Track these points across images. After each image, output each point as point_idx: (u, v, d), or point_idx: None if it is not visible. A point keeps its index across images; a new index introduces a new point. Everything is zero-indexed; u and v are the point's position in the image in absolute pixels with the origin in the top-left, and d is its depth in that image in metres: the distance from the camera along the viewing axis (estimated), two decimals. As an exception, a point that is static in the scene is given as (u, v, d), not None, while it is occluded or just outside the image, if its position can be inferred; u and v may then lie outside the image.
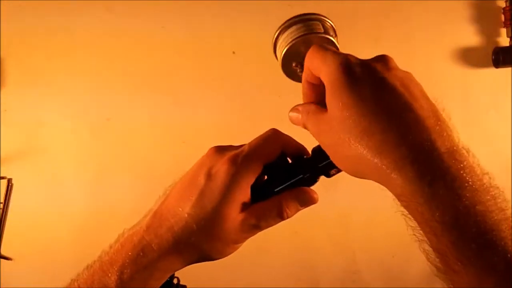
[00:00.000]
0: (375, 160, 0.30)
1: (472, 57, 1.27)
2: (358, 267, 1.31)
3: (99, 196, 1.30)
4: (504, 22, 1.23)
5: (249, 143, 0.38)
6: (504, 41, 1.25)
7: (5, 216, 1.08)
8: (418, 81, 0.33)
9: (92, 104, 1.31)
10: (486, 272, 0.26)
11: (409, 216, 0.31)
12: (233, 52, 1.27)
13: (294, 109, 0.38)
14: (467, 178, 0.28)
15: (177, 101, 1.29)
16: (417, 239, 0.31)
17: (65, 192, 1.31)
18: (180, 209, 0.36)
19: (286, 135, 0.39)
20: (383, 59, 0.34)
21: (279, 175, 0.39)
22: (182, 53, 1.29)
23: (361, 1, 1.27)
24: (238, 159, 0.36)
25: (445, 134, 0.30)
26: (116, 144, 1.31)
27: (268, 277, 1.31)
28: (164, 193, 0.40)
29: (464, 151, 0.30)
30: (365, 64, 0.32)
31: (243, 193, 0.36)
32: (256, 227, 0.38)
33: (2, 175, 1.13)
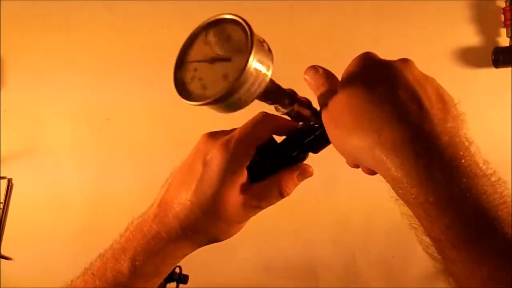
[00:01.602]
0: (374, 139, 0.30)
1: (472, 57, 1.27)
2: (358, 267, 1.31)
3: (99, 196, 1.30)
4: (504, 22, 1.23)
5: (240, 128, 0.39)
6: (504, 41, 1.25)
7: (5, 216, 1.08)
8: (439, 84, 0.35)
9: (92, 104, 1.31)
10: (482, 256, 0.26)
11: (403, 202, 0.31)
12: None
13: (314, 69, 0.38)
14: (465, 164, 0.28)
15: (177, 101, 1.29)
16: (412, 227, 0.31)
17: (65, 192, 1.31)
18: (183, 197, 0.37)
19: (275, 116, 0.40)
20: (405, 60, 0.35)
21: (271, 155, 0.40)
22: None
23: (361, 2, 1.27)
24: (230, 144, 0.37)
25: (449, 125, 0.30)
26: (116, 144, 1.31)
27: (268, 276, 1.31)
28: (165, 182, 0.41)
29: (466, 142, 0.30)
30: (384, 61, 0.34)
31: (240, 176, 0.37)
32: (258, 207, 0.39)
33: (2, 175, 1.13)
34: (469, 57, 1.27)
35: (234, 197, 0.37)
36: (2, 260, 1.10)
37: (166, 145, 1.27)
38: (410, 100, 0.31)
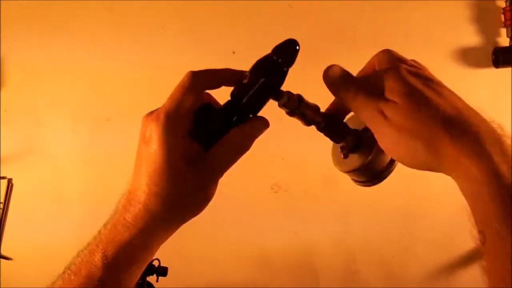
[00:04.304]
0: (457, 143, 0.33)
1: (472, 57, 1.27)
2: (358, 267, 1.31)
3: (99, 196, 1.30)
4: (504, 22, 1.23)
5: (168, 97, 0.39)
6: (504, 41, 1.25)
7: (5, 216, 1.09)
8: None
9: (92, 104, 1.31)
10: None
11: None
12: (233, 52, 1.27)
13: (339, 69, 0.38)
14: None
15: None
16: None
17: (65, 192, 1.31)
18: (140, 181, 0.37)
19: (202, 71, 0.40)
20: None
21: (213, 118, 0.39)
22: (182, 53, 1.30)
23: (361, 2, 1.27)
24: (160, 114, 0.37)
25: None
26: (116, 144, 1.31)
27: (268, 276, 1.31)
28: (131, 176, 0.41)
29: None
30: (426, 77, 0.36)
31: (184, 144, 0.37)
32: (221, 169, 0.38)
33: (2, 175, 1.13)
34: (469, 57, 1.27)
35: (186, 165, 0.36)
36: (2, 260, 1.10)
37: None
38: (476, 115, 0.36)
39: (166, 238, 0.39)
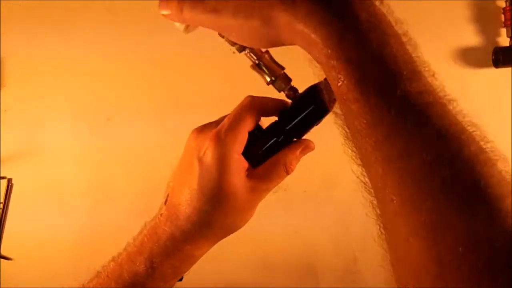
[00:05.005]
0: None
1: (472, 57, 1.27)
2: (358, 267, 1.31)
3: (99, 196, 1.30)
4: (504, 22, 1.23)
5: (229, 116, 0.39)
6: (504, 41, 1.25)
7: (5, 216, 1.08)
8: None
9: (92, 104, 1.31)
10: (379, 109, 0.26)
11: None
12: (233, 52, 1.27)
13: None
14: (376, 23, 0.28)
15: (177, 101, 1.29)
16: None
17: (65, 192, 1.31)
18: (189, 197, 0.38)
19: (261, 98, 0.41)
20: None
21: (264, 138, 0.40)
22: (182, 53, 1.29)
23: (361, 1, 1.27)
24: (221, 135, 0.37)
25: None
26: (116, 144, 1.31)
27: (268, 276, 1.31)
28: (167, 186, 0.41)
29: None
30: None
31: (239, 163, 0.38)
32: (267, 189, 0.40)
33: (2, 175, 1.13)
34: (469, 57, 1.27)
35: (240, 184, 0.37)
36: (2, 260, 1.10)
37: (167, 146, 1.27)
38: None
39: (207, 250, 0.41)
